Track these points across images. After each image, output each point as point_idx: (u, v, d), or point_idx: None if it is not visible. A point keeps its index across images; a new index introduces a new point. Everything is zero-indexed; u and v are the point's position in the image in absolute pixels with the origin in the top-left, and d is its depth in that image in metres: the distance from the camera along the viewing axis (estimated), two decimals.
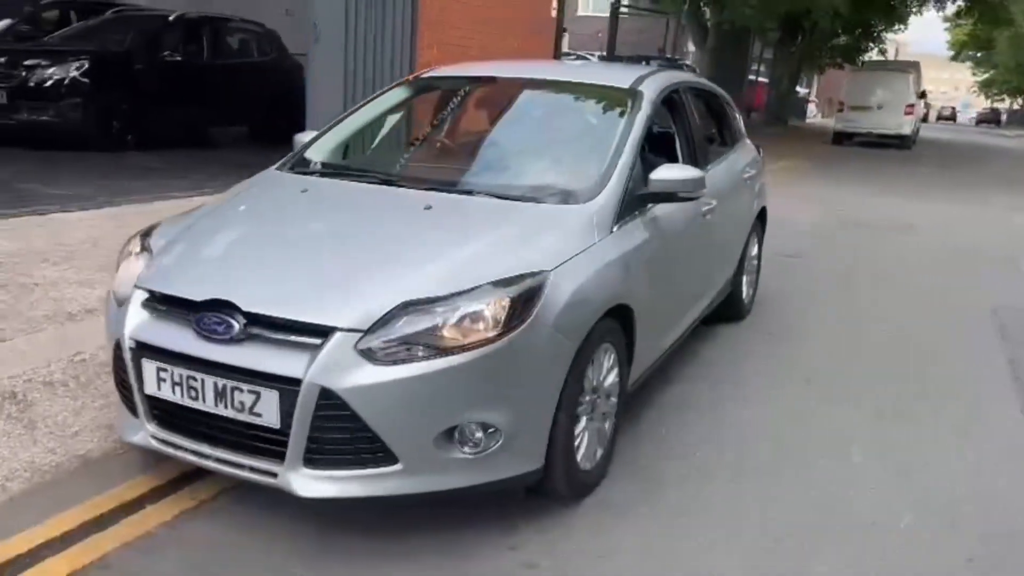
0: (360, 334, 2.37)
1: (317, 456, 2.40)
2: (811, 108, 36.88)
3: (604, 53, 27.97)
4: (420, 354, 2.39)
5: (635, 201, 3.26)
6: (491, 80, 4.15)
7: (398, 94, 4.10)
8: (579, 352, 2.68)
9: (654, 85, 3.82)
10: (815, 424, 3.75)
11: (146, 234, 3.03)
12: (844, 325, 5.25)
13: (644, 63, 20.74)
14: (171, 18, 10.18)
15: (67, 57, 9.03)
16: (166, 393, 2.54)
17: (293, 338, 2.40)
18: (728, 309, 5.03)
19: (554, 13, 11.08)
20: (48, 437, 3.13)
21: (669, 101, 4.09)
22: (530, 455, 2.60)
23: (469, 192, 3.18)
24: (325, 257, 2.73)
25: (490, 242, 2.76)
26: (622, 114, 3.56)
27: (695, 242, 3.92)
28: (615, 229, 3.07)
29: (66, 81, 8.85)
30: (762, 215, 5.34)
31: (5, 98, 8.81)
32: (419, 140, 3.96)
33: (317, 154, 3.66)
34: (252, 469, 2.47)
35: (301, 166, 3.57)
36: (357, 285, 2.51)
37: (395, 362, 2.37)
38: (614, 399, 3.12)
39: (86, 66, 8.95)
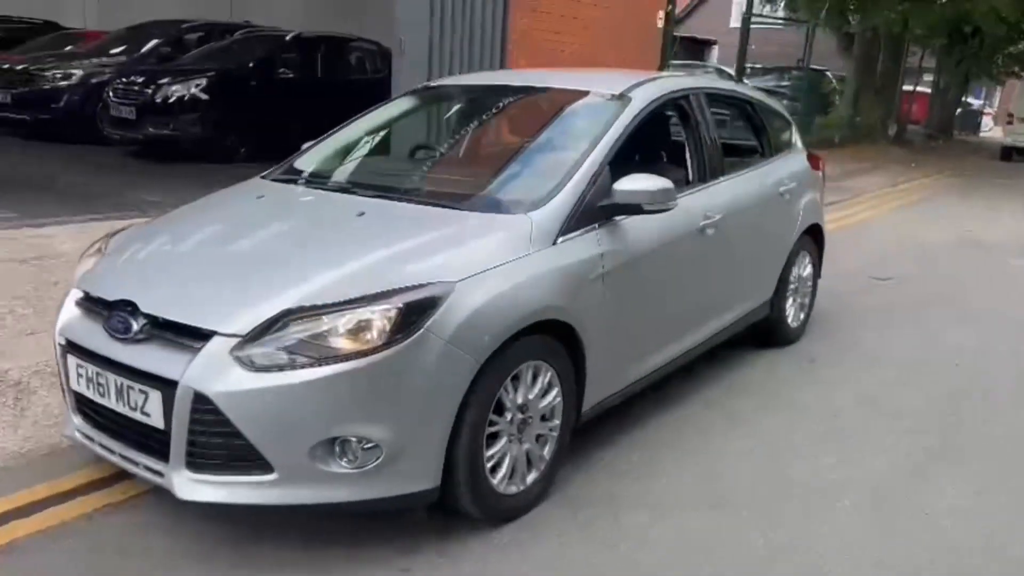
0: (238, 339, 2.37)
1: (198, 459, 2.41)
2: (986, 121, 33.89)
3: (756, 64, 27.06)
4: (299, 362, 2.35)
5: (596, 212, 3.08)
6: (486, 88, 4.07)
7: (402, 103, 4.11)
8: (485, 369, 2.55)
9: (647, 92, 3.62)
10: (799, 466, 3.37)
11: (113, 235, 3.18)
12: (902, 361, 4.69)
13: (781, 74, 19.93)
14: (288, 38, 10.76)
15: (190, 76, 9.76)
16: (83, 389, 2.65)
17: (180, 340, 2.43)
18: (768, 334, 4.69)
19: (661, 24, 10.80)
20: (32, 425, 3.34)
21: (676, 108, 3.85)
22: (421, 474, 2.50)
23: (411, 199, 3.12)
24: (239, 262, 2.75)
25: (401, 250, 2.69)
26: (600, 122, 3.38)
27: (690, 259, 3.65)
28: (559, 241, 2.91)
29: (186, 98, 9.56)
30: (814, 233, 4.92)
31: (134, 114, 9.62)
32: (397, 148, 3.93)
33: (307, 162, 3.71)
34: (145, 467, 2.52)
35: (288, 174, 3.63)
36: (252, 290, 2.52)
37: (272, 369, 2.35)
38: (556, 421, 2.95)
39: (205, 84, 9.63)
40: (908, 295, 6.20)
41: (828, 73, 21.65)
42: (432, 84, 4.23)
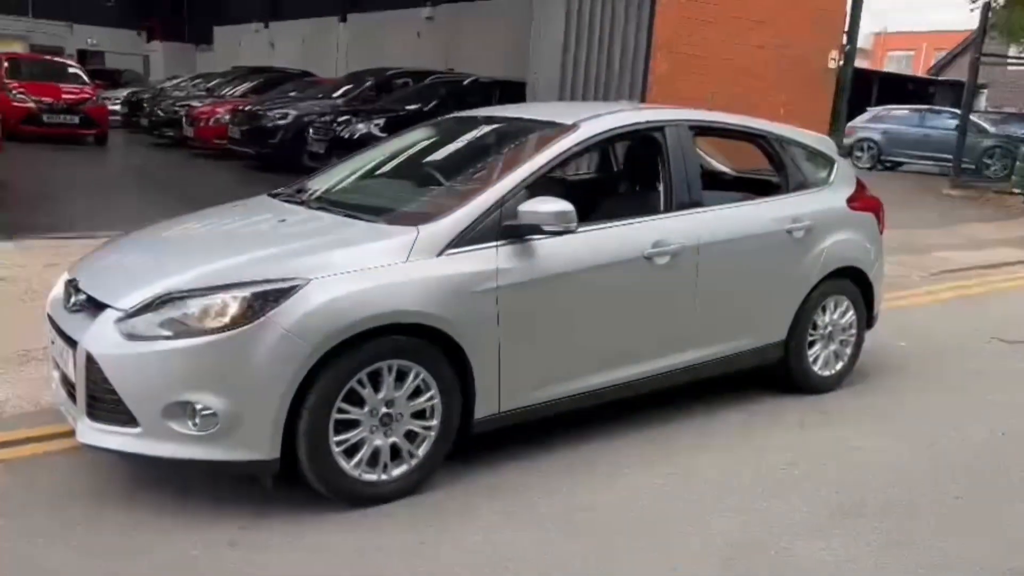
0: (123, 313, 2.88)
1: (94, 410, 2.94)
2: None
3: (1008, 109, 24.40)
4: (162, 335, 2.82)
5: (501, 231, 3.26)
6: (474, 119, 4.38)
7: (411, 134, 4.52)
8: (327, 359, 2.85)
9: (597, 124, 3.74)
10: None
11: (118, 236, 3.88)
12: (915, 431, 4.18)
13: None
14: (465, 82, 11.65)
15: (372, 116, 10.93)
16: (53, 352, 3.30)
17: (94, 313, 2.99)
18: (786, 379, 4.46)
19: (833, 64, 10.32)
20: (26, 385, 4.00)
21: (641, 139, 3.91)
22: (258, 444, 2.84)
23: (338, 211, 3.50)
24: (164, 256, 3.29)
25: (284, 249, 3.10)
26: (534, 149, 3.56)
27: (632, 288, 3.66)
28: (445, 254, 3.14)
29: (367, 135, 10.69)
30: (856, 279, 4.60)
31: (324, 148, 10.93)
32: (375, 169, 4.28)
33: (312, 182, 4.22)
34: (72, 416, 3.09)
35: (288, 190, 4.12)
36: (151, 277, 3.02)
37: (141, 339, 2.83)
38: (434, 422, 3.16)
39: (383, 123, 10.72)
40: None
41: None
42: (447, 117, 4.60)
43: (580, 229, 3.54)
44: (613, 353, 3.70)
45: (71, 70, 16.84)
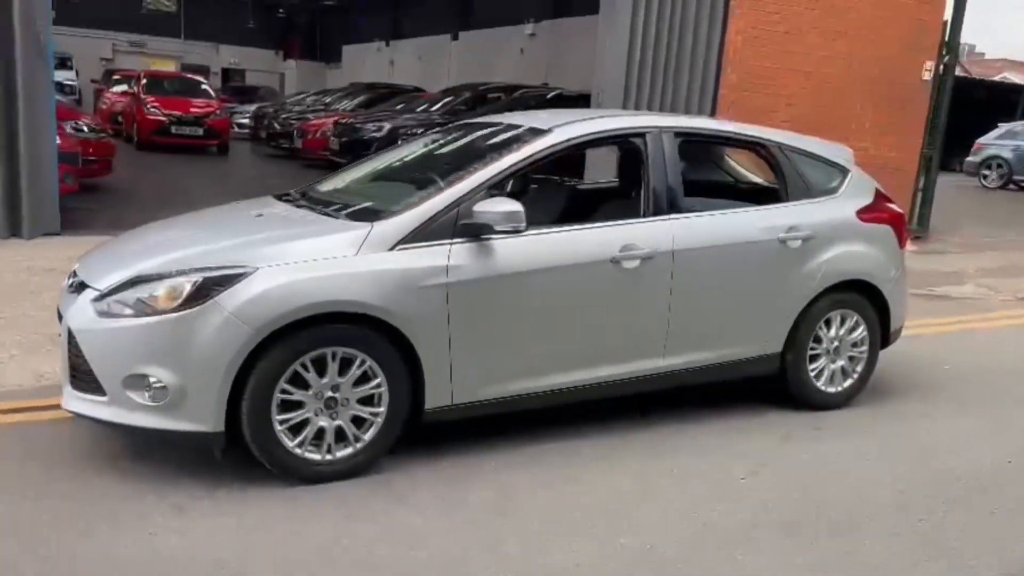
0: (99, 293, 3.20)
1: (74, 379, 3.28)
2: None
3: None
4: (126, 313, 3.12)
5: (457, 229, 3.40)
6: (471, 125, 4.53)
7: (422, 139, 4.73)
8: (268, 343, 3.07)
9: (570, 129, 3.82)
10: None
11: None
12: (931, 458, 3.99)
13: None
14: (549, 96, 11.85)
15: None
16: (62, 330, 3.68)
17: (80, 293, 3.34)
18: (784, 392, 4.36)
19: (927, 76, 9.81)
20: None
21: (619, 145, 3.95)
22: (203, 418, 3.08)
23: (310, 207, 3.73)
24: (156, 244, 3.59)
25: (246, 239, 3.37)
26: (504, 153, 3.68)
27: (597, 290, 3.70)
28: (396, 249, 3.31)
29: None
30: (867, 293, 4.43)
31: None
32: (371, 170, 4.48)
33: (325, 184, 4.48)
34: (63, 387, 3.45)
35: (293, 191, 4.37)
36: (128, 262, 3.33)
37: (110, 316, 3.14)
38: (380, 409, 3.33)
39: None
40: None
41: None
42: (452, 123, 4.78)
43: (545, 231, 3.67)
44: (576, 354, 3.75)
45: (202, 86, 18.19)
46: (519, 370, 3.62)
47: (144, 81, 17.47)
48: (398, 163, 4.46)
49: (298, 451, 3.23)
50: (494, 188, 3.62)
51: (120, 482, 3.23)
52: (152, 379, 3.07)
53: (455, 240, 3.41)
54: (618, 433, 3.96)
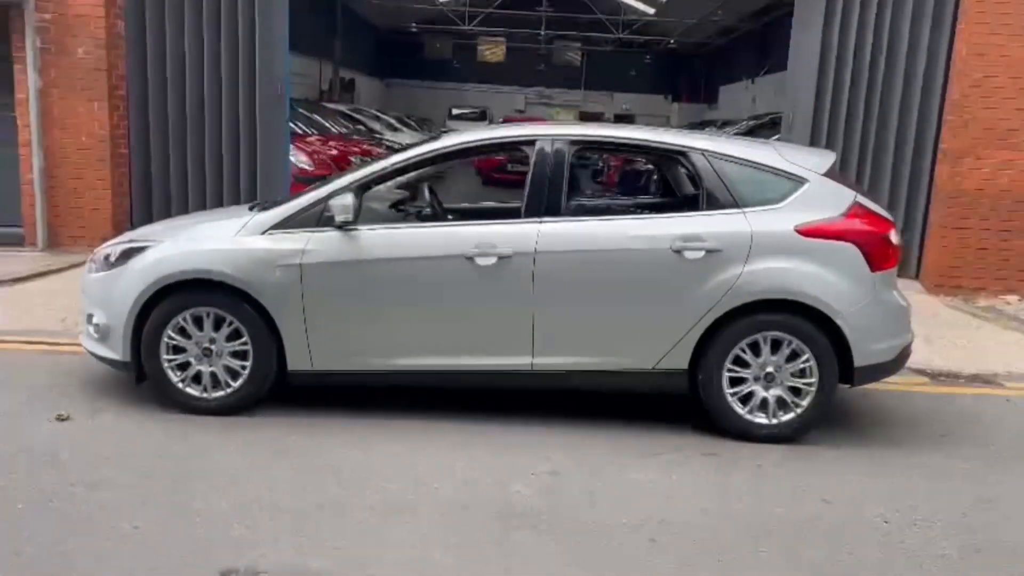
0: (96, 255, 4.49)
1: (88, 323, 4.60)
2: None
3: None
4: (93, 269, 4.34)
5: (322, 219, 4.05)
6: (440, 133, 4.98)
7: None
8: (156, 299, 4.04)
9: (456, 137, 4.23)
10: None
11: None
12: (900, 504, 3.46)
13: None
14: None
15: None
16: None
17: None
18: (706, 416, 4.11)
19: None
20: None
21: (514, 153, 4.17)
22: (118, 350, 4.14)
23: (256, 204, 4.61)
24: (151, 227, 4.79)
25: (177, 222, 4.39)
26: (392, 156, 4.22)
27: (448, 284, 3.98)
28: (267, 233, 4.07)
29: None
30: (808, 315, 3.93)
31: None
32: None
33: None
34: None
35: None
36: (126, 236, 4.57)
37: (90, 272, 4.39)
38: (247, 363, 4.10)
39: None
40: None
41: None
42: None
43: (409, 225, 4.15)
44: (434, 341, 4.07)
45: None
46: (378, 348, 4.08)
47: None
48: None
49: (180, 386, 4.14)
50: (375, 185, 4.18)
51: (90, 399, 4.46)
52: (95, 318, 4.24)
53: (317, 228, 4.04)
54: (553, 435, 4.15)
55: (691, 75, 37.01)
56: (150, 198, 8.18)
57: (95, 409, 4.20)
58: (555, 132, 4.21)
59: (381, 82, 36.40)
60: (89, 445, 3.78)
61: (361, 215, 4.09)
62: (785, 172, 4.11)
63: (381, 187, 5.07)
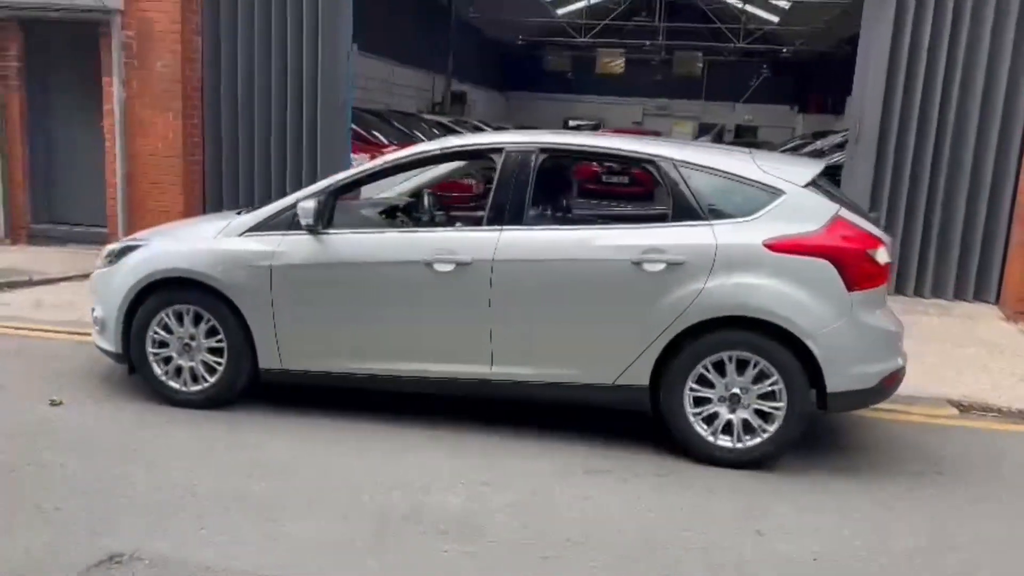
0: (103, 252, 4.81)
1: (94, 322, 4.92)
2: None
3: None
4: (99, 265, 4.65)
5: (292, 223, 4.18)
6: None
7: None
8: (142, 296, 4.28)
9: (423, 146, 4.27)
10: None
11: None
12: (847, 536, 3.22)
13: None
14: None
15: None
16: None
17: None
18: (670, 437, 3.96)
19: None
20: None
21: (483, 161, 4.18)
22: (112, 342, 4.41)
23: (248, 208, 4.80)
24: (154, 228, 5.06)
25: (172, 225, 4.61)
26: (362, 165, 4.30)
27: (408, 289, 4.01)
28: (243, 236, 4.23)
29: None
30: (775, 334, 3.71)
31: None
32: None
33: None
34: None
35: None
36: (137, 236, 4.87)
37: (99, 268, 4.70)
38: (222, 360, 4.27)
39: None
40: None
41: None
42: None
43: (373, 230, 4.22)
44: (396, 346, 4.11)
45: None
46: (340, 350, 4.17)
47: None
48: None
49: (164, 379, 4.36)
50: (346, 192, 4.28)
51: (87, 387, 4.77)
52: (95, 312, 4.54)
53: (289, 232, 4.17)
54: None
55: (817, 85, 35.48)
56: (220, 201, 8.66)
57: (89, 398, 4.49)
58: (522, 140, 4.16)
59: (501, 94, 36.91)
60: (61, 429, 4.04)
61: (346, 220, 4.23)
62: (759, 183, 3.90)
63: (390, 193, 5.20)
